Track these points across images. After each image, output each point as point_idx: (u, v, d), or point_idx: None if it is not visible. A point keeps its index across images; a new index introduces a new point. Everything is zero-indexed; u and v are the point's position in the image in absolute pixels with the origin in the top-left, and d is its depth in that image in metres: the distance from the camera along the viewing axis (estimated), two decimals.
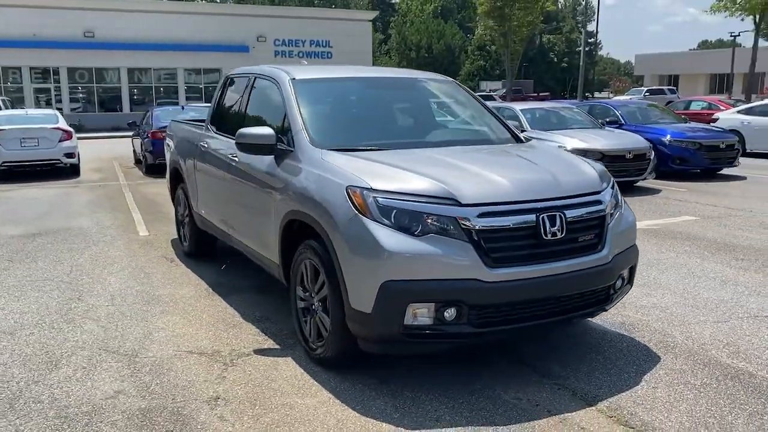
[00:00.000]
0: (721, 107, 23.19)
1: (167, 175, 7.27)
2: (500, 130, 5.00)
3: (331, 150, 4.12)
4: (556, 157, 4.37)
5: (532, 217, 3.53)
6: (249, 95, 5.25)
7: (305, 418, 3.37)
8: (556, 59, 72.57)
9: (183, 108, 16.03)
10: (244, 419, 3.36)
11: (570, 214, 3.65)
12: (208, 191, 5.84)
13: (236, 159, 4.99)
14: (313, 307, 4.01)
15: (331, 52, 39.96)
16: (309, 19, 39.46)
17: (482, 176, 3.70)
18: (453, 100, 5.32)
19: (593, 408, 3.45)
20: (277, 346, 4.36)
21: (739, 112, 18.36)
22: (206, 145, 5.81)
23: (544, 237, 3.53)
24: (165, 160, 13.95)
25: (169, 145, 7.26)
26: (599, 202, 3.83)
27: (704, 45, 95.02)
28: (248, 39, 37.52)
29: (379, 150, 4.19)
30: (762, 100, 21.72)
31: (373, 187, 3.55)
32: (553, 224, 3.56)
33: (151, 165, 14.39)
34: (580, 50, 70.86)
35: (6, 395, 3.66)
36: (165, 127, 14.24)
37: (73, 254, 6.95)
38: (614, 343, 4.35)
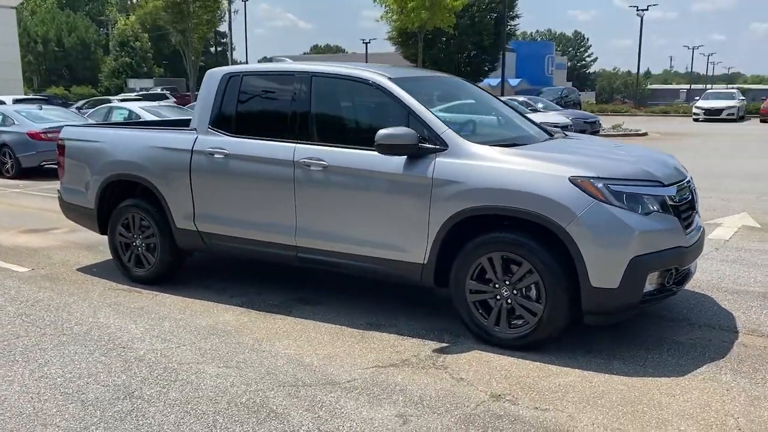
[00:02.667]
0: None
1: (92, 195, 5.95)
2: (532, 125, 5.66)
3: (494, 146, 4.34)
4: (638, 147, 5.27)
5: (688, 192, 4.41)
6: (309, 97, 4.90)
7: (607, 391, 3.66)
8: (193, 58, 72.37)
9: None
10: (582, 406, 3.52)
11: (694, 188, 4.64)
12: (236, 201, 5.15)
13: (324, 163, 4.68)
14: (500, 297, 4.21)
15: None
16: None
17: (648, 162, 4.41)
18: (488, 98, 5.77)
19: (744, 334, 4.48)
20: (444, 344, 4.37)
21: None
22: (224, 151, 5.14)
23: (695, 208, 4.45)
24: None
25: (92, 156, 5.94)
26: (691, 180, 4.89)
27: (315, 50, 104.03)
28: None
29: (515, 145, 4.53)
30: None
31: (599, 176, 3.98)
32: (695, 197, 4.50)
33: None
34: (212, 49, 71.87)
35: None
36: None
37: None
38: None
